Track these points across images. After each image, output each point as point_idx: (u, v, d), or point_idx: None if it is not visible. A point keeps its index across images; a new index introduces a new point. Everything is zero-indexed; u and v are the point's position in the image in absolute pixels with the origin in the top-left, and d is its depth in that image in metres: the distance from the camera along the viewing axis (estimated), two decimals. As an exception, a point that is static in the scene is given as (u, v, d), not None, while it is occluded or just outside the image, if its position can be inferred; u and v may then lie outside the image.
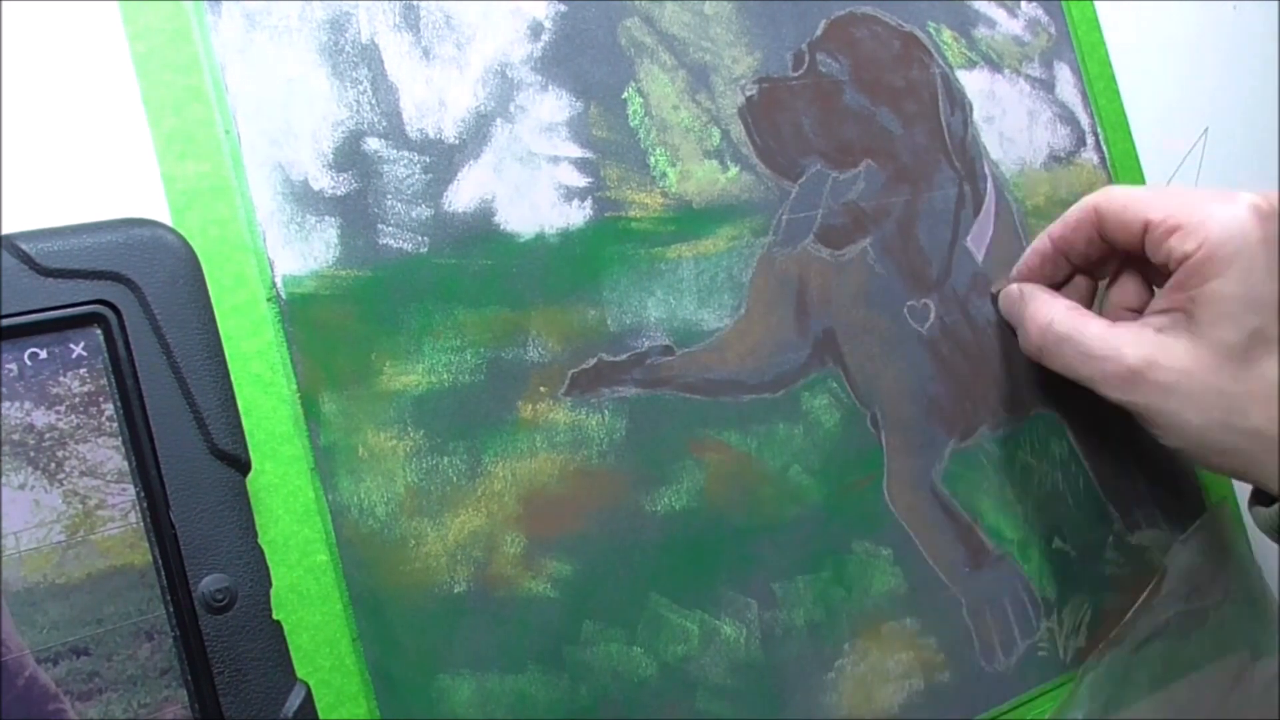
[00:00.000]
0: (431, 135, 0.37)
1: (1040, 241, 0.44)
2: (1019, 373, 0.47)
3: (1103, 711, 0.44)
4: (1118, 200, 0.41)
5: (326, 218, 0.35)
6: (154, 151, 0.33)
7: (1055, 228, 0.43)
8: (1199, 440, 0.37)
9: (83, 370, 0.29)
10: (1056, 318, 0.40)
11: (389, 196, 0.36)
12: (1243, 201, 0.37)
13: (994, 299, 0.46)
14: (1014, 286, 0.44)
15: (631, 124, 0.40)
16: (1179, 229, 0.38)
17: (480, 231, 0.37)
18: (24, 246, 0.28)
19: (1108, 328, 0.39)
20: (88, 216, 0.30)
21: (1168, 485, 0.50)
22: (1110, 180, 0.52)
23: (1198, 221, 0.37)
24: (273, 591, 0.30)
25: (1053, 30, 0.51)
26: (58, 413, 0.28)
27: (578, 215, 0.39)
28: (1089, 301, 0.45)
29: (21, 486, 0.28)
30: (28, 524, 0.28)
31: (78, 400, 0.29)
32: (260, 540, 0.30)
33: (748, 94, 0.43)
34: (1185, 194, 0.39)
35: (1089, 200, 0.42)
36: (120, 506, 0.29)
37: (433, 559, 0.35)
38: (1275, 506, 0.39)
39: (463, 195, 0.37)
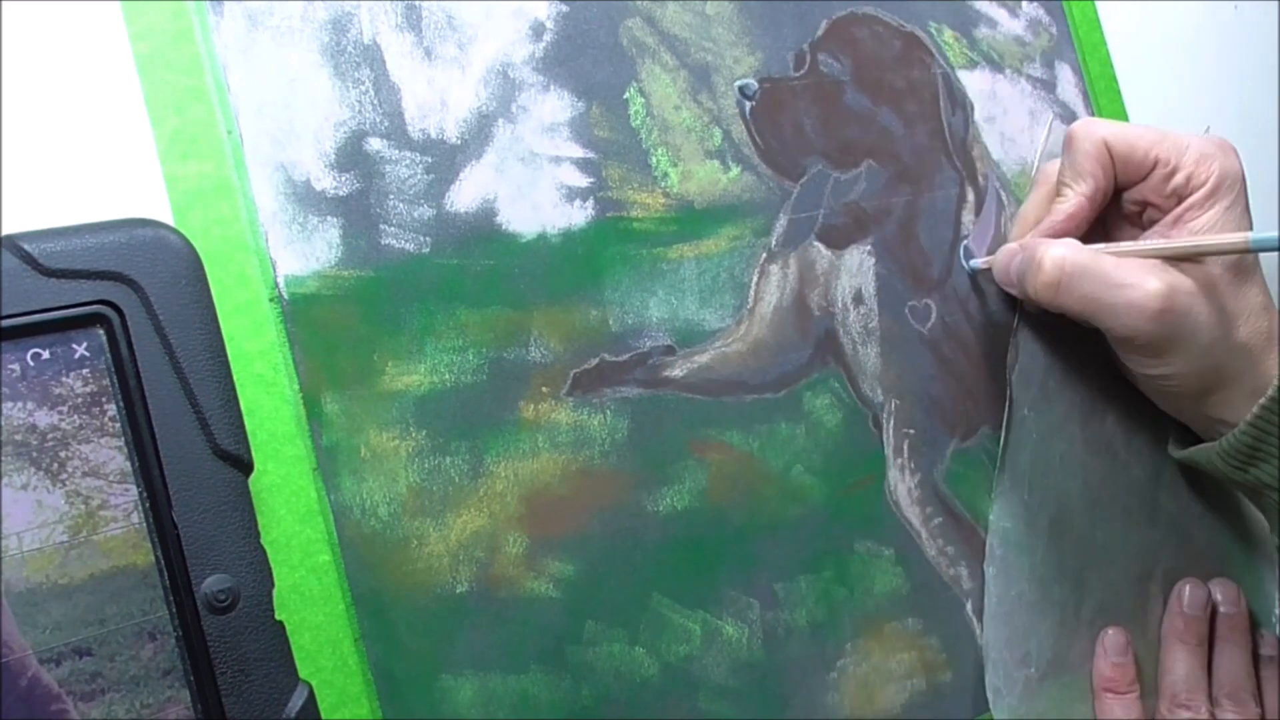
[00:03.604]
0: (433, 135, 0.37)
1: (1073, 204, 0.42)
2: (1020, 373, 0.47)
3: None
4: (1124, 139, 0.42)
5: (329, 218, 0.35)
6: (156, 152, 0.33)
7: (1083, 185, 0.42)
8: (1199, 361, 0.40)
9: (85, 370, 0.29)
10: (1070, 253, 0.40)
11: (391, 197, 0.36)
12: (1220, 142, 0.42)
13: (972, 275, 0.46)
14: (1009, 245, 0.44)
15: (633, 124, 0.40)
16: (1181, 167, 0.41)
17: (482, 232, 0.37)
18: (26, 247, 0.28)
19: (1121, 260, 0.40)
20: (90, 217, 0.30)
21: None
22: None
23: (1198, 159, 0.41)
24: (275, 592, 0.30)
25: (1054, 30, 0.51)
26: (60, 413, 0.28)
27: (579, 215, 0.39)
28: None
29: (24, 487, 0.28)
30: (30, 524, 0.28)
31: (80, 400, 0.29)
32: (263, 541, 0.30)
33: (749, 94, 0.43)
34: (1172, 134, 0.42)
35: (1096, 140, 0.42)
36: (123, 507, 0.29)
37: (435, 559, 0.35)
38: (1226, 437, 0.41)
39: (465, 195, 0.37)
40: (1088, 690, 0.45)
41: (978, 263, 0.46)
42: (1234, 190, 0.41)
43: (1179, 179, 0.41)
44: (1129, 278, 0.39)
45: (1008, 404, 0.45)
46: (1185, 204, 0.41)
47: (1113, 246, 0.41)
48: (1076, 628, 0.45)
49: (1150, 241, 0.41)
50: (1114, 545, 0.46)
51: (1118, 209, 0.44)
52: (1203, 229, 0.41)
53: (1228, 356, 0.40)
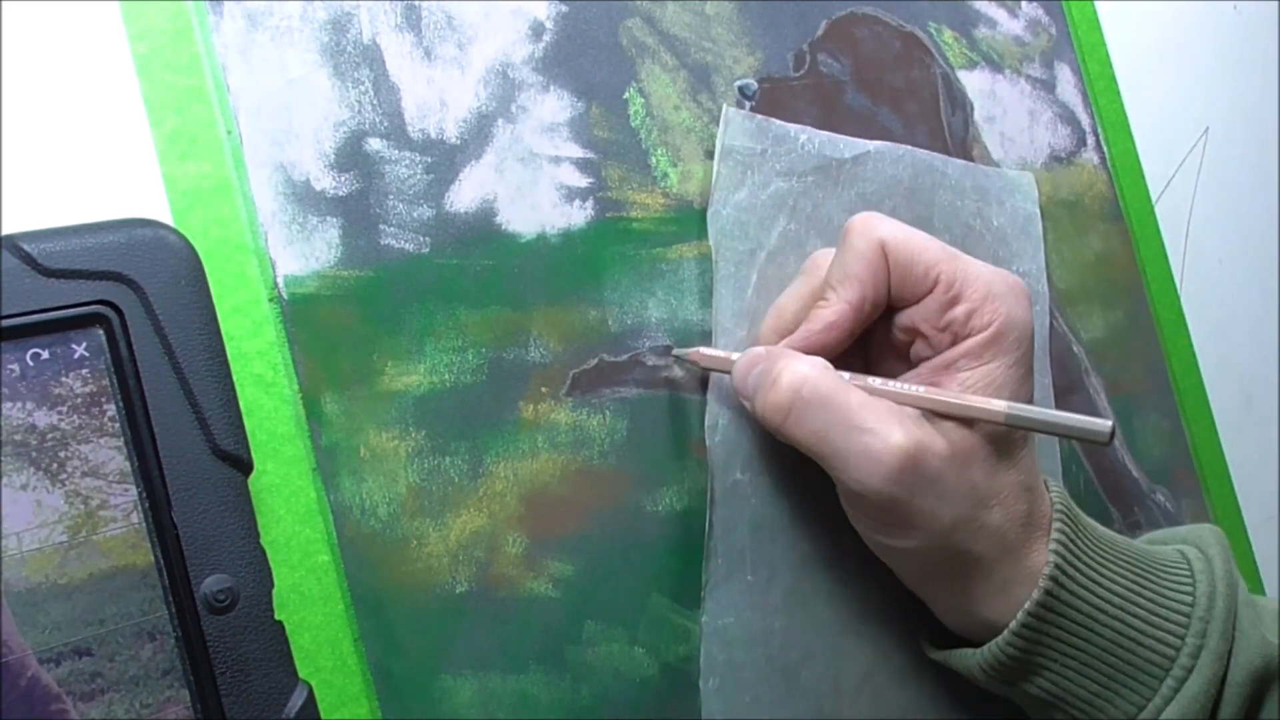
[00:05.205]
0: (433, 135, 0.37)
1: (835, 313, 0.35)
2: (1020, 373, 0.47)
3: None
4: (905, 247, 0.35)
5: (328, 218, 0.35)
6: (155, 152, 0.33)
7: (849, 290, 0.35)
8: (939, 541, 0.33)
9: (85, 371, 0.29)
10: (814, 375, 0.33)
11: (390, 197, 0.36)
12: (1014, 284, 0.35)
13: (678, 359, 0.39)
14: (756, 349, 0.36)
15: (633, 124, 0.40)
16: (964, 298, 0.34)
17: (482, 232, 0.37)
18: (26, 247, 0.28)
19: (870, 400, 0.33)
20: (89, 217, 0.30)
21: (1168, 484, 0.50)
22: (1111, 182, 0.52)
23: (985, 296, 0.34)
24: (275, 592, 0.30)
25: (1053, 30, 0.51)
26: (60, 413, 0.28)
27: (579, 215, 0.39)
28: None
29: (24, 487, 0.28)
30: (30, 524, 0.28)
31: (80, 400, 0.29)
32: (262, 541, 0.30)
33: (749, 94, 0.43)
34: (963, 258, 0.35)
35: (872, 241, 0.35)
36: (122, 507, 0.29)
37: (434, 559, 0.35)
38: (988, 646, 0.35)
39: (464, 195, 0.37)
40: None
41: (707, 352, 0.38)
42: (1019, 347, 0.34)
43: (958, 311, 0.34)
44: (872, 421, 0.32)
45: (709, 477, 0.38)
46: (961, 348, 0.34)
47: (866, 380, 0.35)
48: (839, 705, 0.38)
49: (908, 385, 0.34)
50: (872, 598, 0.39)
51: (886, 333, 0.37)
52: (976, 385, 0.34)
53: (975, 541, 0.33)
